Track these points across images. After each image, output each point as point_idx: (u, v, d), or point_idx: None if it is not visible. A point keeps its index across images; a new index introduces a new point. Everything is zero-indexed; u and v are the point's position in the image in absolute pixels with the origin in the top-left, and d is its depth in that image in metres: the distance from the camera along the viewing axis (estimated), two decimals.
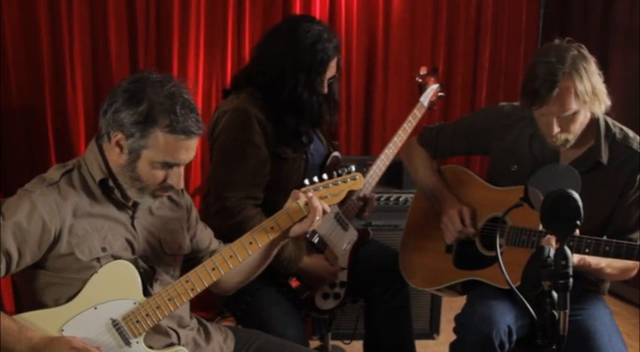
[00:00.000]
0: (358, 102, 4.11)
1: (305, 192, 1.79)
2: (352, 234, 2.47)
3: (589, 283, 2.18)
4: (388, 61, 4.13)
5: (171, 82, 1.68)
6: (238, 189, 2.18)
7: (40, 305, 1.68)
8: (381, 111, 4.16)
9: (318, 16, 3.78)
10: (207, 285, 1.75)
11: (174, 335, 1.81)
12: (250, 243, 1.76)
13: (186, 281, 1.73)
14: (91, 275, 1.68)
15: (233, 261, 1.75)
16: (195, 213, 1.97)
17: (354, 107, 4.10)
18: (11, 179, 3.33)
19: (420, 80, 2.67)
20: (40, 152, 3.49)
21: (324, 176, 1.81)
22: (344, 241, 2.44)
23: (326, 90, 2.33)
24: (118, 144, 1.67)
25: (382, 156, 2.48)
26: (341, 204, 2.42)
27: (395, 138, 2.51)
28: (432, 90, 2.66)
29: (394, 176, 3.08)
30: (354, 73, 4.06)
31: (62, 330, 1.64)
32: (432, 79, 2.68)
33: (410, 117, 2.54)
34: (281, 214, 1.78)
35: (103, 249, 1.70)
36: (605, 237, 1.94)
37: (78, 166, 1.75)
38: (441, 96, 2.71)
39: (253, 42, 3.59)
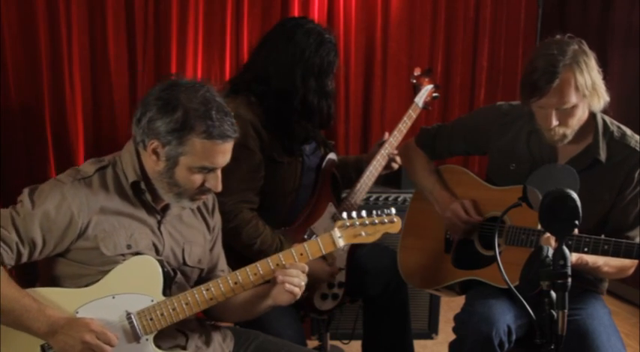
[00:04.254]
0: (357, 102, 4.12)
1: (341, 227, 1.79)
2: None
3: (588, 283, 2.18)
4: (387, 61, 4.14)
5: (204, 87, 1.69)
6: (233, 193, 2.18)
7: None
8: (380, 111, 4.16)
9: (316, 17, 3.80)
10: (226, 297, 1.75)
11: (182, 337, 1.81)
12: (277, 264, 1.76)
13: (207, 290, 1.73)
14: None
15: (256, 278, 1.75)
16: (219, 236, 1.98)
17: (353, 107, 4.10)
18: (10, 179, 3.33)
19: (415, 81, 2.67)
20: (39, 152, 3.49)
21: (363, 213, 1.80)
22: None
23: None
24: (154, 151, 1.68)
25: (378, 157, 2.48)
26: (338, 204, 2.42)
27: (390, 139, 2.51)
28: (427, 90, 2.66)
29: (393, 176, 3.07)
30: (352, 73, 4.06)
31: (77, 312, 1.66)
32: (427, 79, 2.68)
33: (405, 118, 2.54)
34: (313, 243, 1.78)
35: (128, 246, 1.71)
36: (603, 236, 1.93)
37: (113, 163, 1.76)
38: (435, 96, 2.71)
39: (252, 42, 3.59)
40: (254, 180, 2.22)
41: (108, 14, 3.51)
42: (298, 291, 1.75)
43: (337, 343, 3.11)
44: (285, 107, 2.24)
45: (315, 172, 2.42)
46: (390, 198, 3.19)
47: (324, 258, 2.35)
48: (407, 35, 4.17)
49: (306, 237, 2.31)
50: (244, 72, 2.36)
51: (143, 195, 1.75)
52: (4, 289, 1.58)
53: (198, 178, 1.70)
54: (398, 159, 2.54)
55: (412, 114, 2.57)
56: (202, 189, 1.73)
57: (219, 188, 1.74)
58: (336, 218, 2.41)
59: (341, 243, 1.79)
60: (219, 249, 1.98)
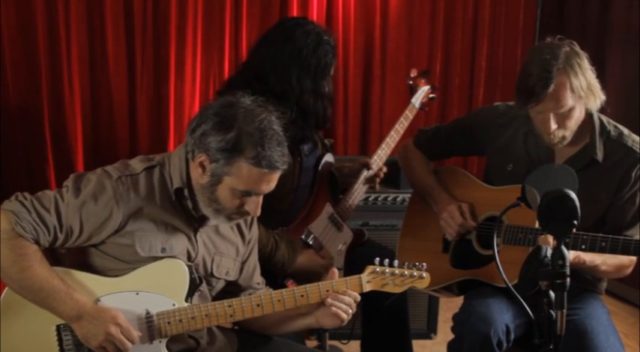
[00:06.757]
0: (355, 102, 4.12)
1: (371, 273, 1.79)
2: (347, 235, 2.46)
3: (586, 282, 2.18)
4: (385, 61, 4.14)
5: (264, 112, 1.69)
6: None
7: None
8: (378, 111, 4.17)
9: (315, 17, 3.81)
10: (246, 317, 1.75)
11: (193, 343, 1.82)
12: (302, 295, 1.77)
13: (229, 306, 1.74)
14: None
15: (278, 306, 1.76)
16: (255, 248, 1.97)
17: (352, 107, 4.11)
18: (9, 179, 3.33)
19: (411, 82, 2.68)
20: (38, 152, 3.49)
21: (395, 263, 1.81)
22: (339, 242, 2.43)
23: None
24: (201, 165, 1.68)
25: (375, 158, 2.48)
26: (335, 204, 2.42)
27: (387, 139, 2.51)
28: (423, 91, 2.67)
29: (391, 176, 3.06)
30: (351, 73, 4.07)
31: (99, 300, 1.68)
32: (423, 80, 2.68)
33: (402, 119, 2.55)
34: (340, 281, 1.79)
35: (163, 250, 1.72)
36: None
37: (161, 164, 1.77)
38: (432, 97, 2.71)
39: (250, 43, 3.58)
40: None
41: (107, 15, 3.52)
42: (345, 317, 1.76)
43: (336, 343, 3.11)
44: (281, 106, 2.23)
45: (313, 172, 2.42)
46: (389, 199, 3.19)
47: (320, 248, 2.34)
48: (406, 35, 4.17)
49: (303, 237, 2.31)
50: (243, 70, 2.36)
51: (185, 202, 1.76)
52: (36, 268, 1.61)
53: (238, 200, 1.70)
54: (382, 173, 2.51)
55: (409, 114, 2.57)
56: (240, 211, 1.73)
57: (258, 213, 1.74)
58: (332, 218, 2.40)
59: (368, 288, 1.80)
60: (254, 262, 1.98)
